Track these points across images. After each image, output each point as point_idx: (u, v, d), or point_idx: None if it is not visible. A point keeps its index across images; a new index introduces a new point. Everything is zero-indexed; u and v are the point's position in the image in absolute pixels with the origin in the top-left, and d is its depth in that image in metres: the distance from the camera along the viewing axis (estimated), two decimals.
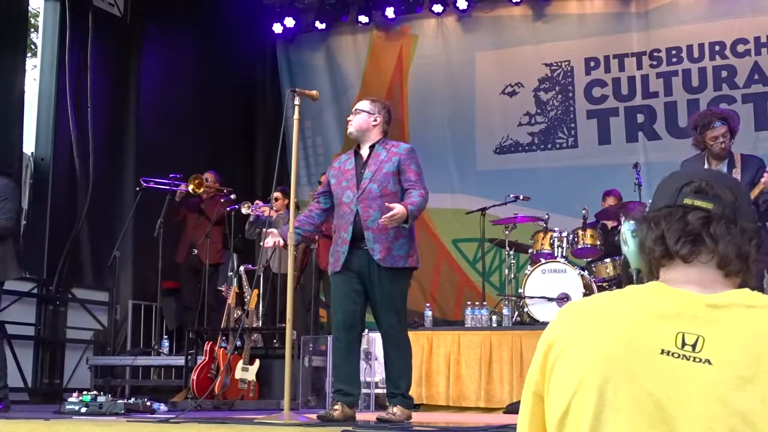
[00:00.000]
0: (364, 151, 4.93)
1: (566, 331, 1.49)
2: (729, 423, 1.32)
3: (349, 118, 5.01)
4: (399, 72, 10.74)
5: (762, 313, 1.40)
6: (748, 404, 1.32)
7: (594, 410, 1.38)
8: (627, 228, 1.69)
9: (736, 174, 5.24)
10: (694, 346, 1.37)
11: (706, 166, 5.32)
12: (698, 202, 1.52)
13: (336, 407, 4.64)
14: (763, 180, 5.09)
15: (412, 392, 6.68)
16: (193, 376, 6.75)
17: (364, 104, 5.00)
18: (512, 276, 7.94)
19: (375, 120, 4.93)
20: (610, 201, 8.17)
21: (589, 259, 7.82)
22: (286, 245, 4.88)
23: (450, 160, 10.32)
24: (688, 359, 1.36)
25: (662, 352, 1.37)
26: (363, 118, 4.94)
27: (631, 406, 1.36)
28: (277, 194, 8.12)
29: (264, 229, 8.27)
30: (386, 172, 4.81)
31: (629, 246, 1.67)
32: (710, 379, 1.34)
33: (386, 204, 4.60)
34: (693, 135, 5.46)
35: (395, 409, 4.70)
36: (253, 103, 11.38)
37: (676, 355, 1.37)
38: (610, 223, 8.10)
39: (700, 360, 1.36)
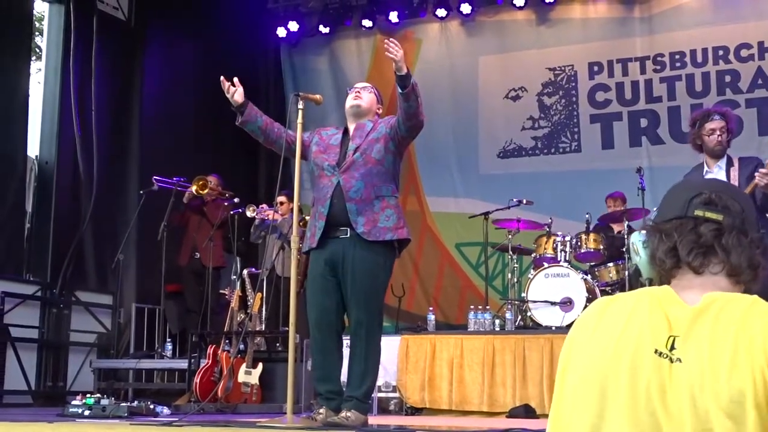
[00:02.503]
0: (352, 128, 4.75)
1: (584, 325, 1.58)
2: (698, 417, 1.39)
3: (358, 92, 4.79)
4: None
5: (727, 312, 1.46)
6: (708, 401, 1.39)
7: (597, 405, 1.47)
8: (638, 239, 1.72)
9: (734, 172, 5.25)
10: (677, 347, 1.45)
11: (705, 169, 5.33)
12: (709, 214, 1.56)
13: (320, 411, 4.53)
14: (757, 177, 5.09)
15: (415, 396, 6.76)
16: (196, 379, 6.75)
17: (373, 89, 4.87)
18: (515, 280, 7.95)
19: (379, 108, 4.84)
20: (616, 203, 8.17)
21: (592, 263, 7.82)
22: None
23: (453, 164, 10.32)
24: (672, 360, 1.44)
25: (655, 351, 1.45)
26: (373, 99, 4.81)
27: (628, 402, 1.44)
28: (281, 198, 8.11)
29: (269, 234, 8.34)
30: (371, 139, 4.62)
31: (641, 257, 1.71)
32: (682, 378, 1.42)
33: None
34: (690, 133, 5.43)
35: (349, 413, 4.42)
36: (256, 106, 11.34)
37: (664, 356, 1.45)
38: (616, 227, 8.10)
39: (678, 360, 1.44)
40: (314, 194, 4.80)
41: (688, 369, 1.41)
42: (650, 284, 1.66)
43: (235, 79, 4.83)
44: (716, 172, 5.29)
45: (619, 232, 7.86)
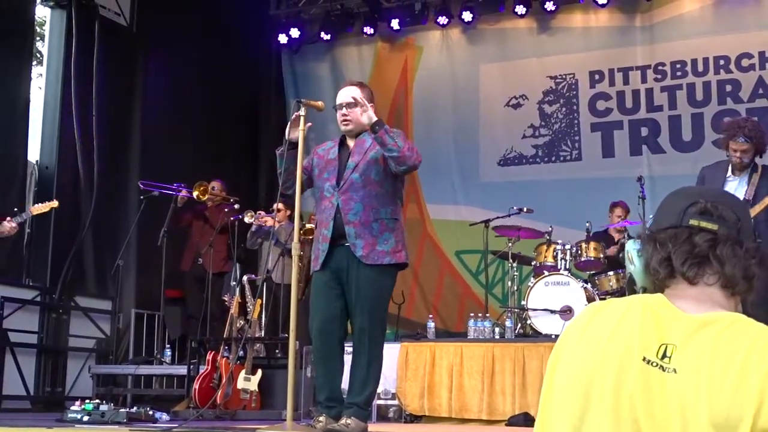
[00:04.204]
0: (351, 141, 4.69)
1: (574, 328, 1.57)
2: (686, 428, 1.38)
3: (343, 112, 4.63)
4: (404, 83, 10.75)
5: (734, 331, 1.44)
6: (700, 414, 1.37)
7: (580, 407, 1.47)
8: (632, 247, 1.71)
9: (756, 179, 5.29)
10: (670, 357, 1.43)
11: (728, 173, 5.37)
12: (704, 224, 1.55)
13: (320, 419, 4.53)
14: None
15: (414, 404, 6.74)
16: (196, 385, 6.74)
17: (356, 92, 4.62)
18: (515, 288, 7.94)
19: (371, 107, 4.66)
20: (618, 212, 8.17)
21: (592, 272, 7.82)
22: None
23: (454, 171, 10.31)
24: (664, 370, 1.42)
25: (643, 359, 1.44)
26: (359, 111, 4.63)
27: (611, 407, 1.43)
28: (279, 205, 8.09)
29: (266, 240, 8.33)
30: (370, 160, 4.56)
31: (635, 266, 1.70)
32: (675, 387, 1.41)
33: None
34: (721, 137, 5.55)
35: (349, 420, 4.41)
36: (257, 113, 11.39)
37: (654, 364, 1.43)
38: (617, 236, 8.10)
39: (670, 370, 1.42)
40: (318, 216, 4.78)
41: (683, 379, 1.40)
42: (644, 293, 1.65)
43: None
44: (740, 176, 5.34)
45: (620, 239, 7.88)
